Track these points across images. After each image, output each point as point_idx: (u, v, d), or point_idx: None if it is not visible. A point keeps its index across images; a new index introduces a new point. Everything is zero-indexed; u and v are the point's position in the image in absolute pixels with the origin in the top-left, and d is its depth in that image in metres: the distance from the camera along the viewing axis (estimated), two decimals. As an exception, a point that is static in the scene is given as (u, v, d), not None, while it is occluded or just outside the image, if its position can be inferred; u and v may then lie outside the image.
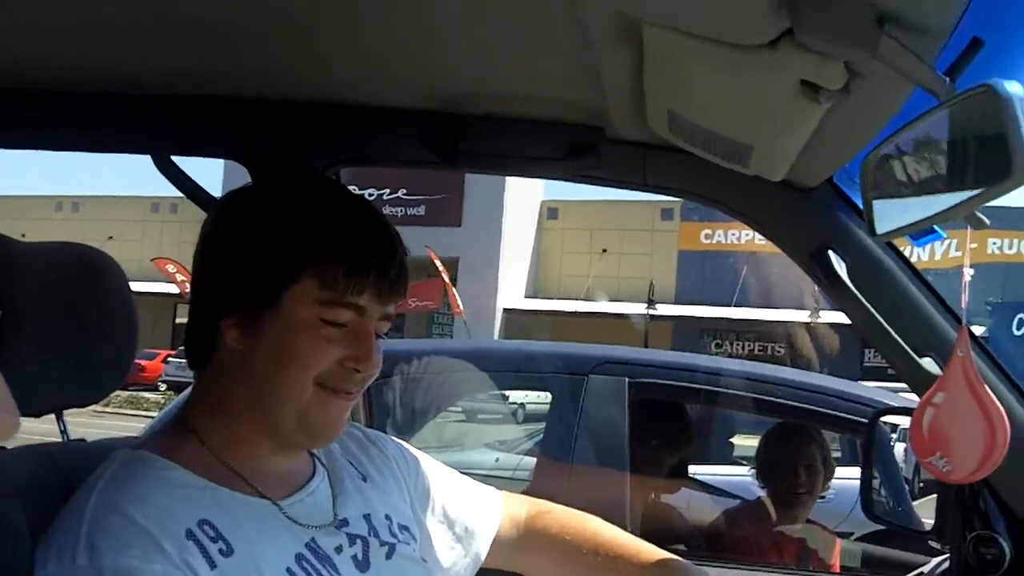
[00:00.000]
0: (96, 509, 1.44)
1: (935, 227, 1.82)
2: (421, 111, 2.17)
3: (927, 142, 1.31)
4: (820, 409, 3.78)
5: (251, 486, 1.58)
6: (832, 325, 28.24)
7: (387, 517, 1.75)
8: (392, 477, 1.87)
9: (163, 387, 33.00)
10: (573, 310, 37.06)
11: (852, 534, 5.41)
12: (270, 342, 1.55)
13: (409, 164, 2.35)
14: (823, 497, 3.86)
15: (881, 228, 1.43)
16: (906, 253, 2.10)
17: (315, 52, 1.94)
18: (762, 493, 3.72)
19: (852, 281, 2.04)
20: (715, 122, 1.74)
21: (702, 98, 1.67)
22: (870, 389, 4.68)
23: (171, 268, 31.24)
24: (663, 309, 36.24)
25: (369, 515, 1.72)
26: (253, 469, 1.60)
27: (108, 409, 26.55)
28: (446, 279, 27.45)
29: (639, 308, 34.84)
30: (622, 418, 3.75)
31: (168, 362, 33.54)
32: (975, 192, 1.19)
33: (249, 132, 2.25)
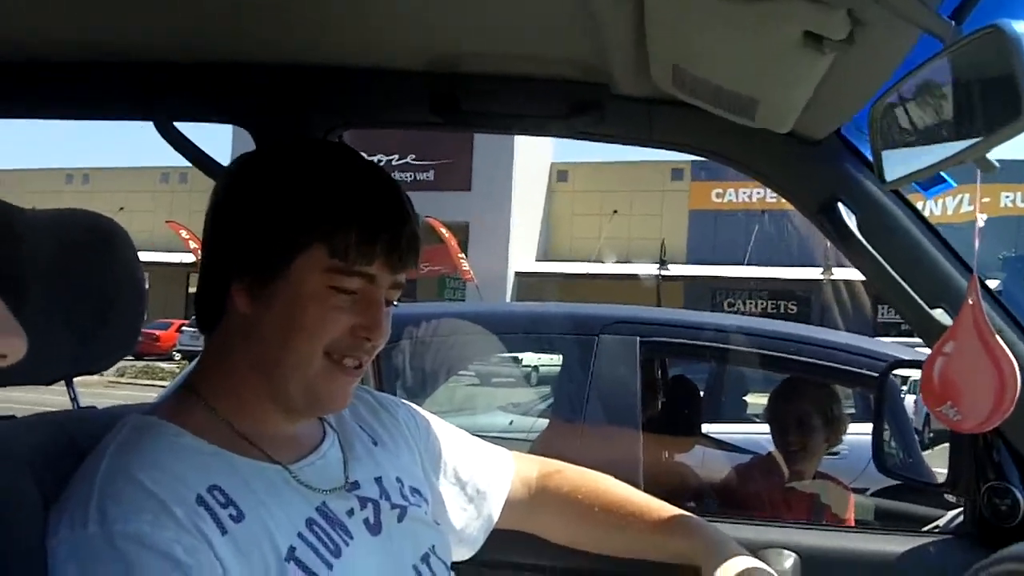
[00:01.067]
0: (106, 475, 1.44)
1: (945, 176, 1.81)
2: (422, 72, 2.15)
3: (934, 88, 1.30)
4: (833, 364, 3.77)
5: (261, 450, 1.58)
6: (845, 281, 28.21)
7: (398, 480, 1.76)
8: (403, 440, 1.87)
9: (177, 357, 33.13)
10: (584, 272, 37.04)
11: (867, 490, 5.42)
12: (279, 309, 1.55)
13: (412, 125, 2.34)
14: (836, 453, 3.86)
15: (890, 176, 1.42)
16: (918, 208, 2.09)
17: (315, 15, 1.93)
18: (774, 449, 3.72)
19: (862, 233, 2.02)
20: (720, 75, 1.72)
21: (706, 52, 1.66)
22: (884, 344, 4.68)
23: (184, 233, 31.26)
24: (675, 269, 36.25)
25: (380, 478, 1.72)
26: (262, 433, 1.60)
27: (123, 379, 26.75)
28: (453, 244, 27.40)
29: (651, 269, 34.83)
30: (633, 377, 3.74)
31: (182, 331, 33.63)
32: (984, 135, 1.17)
33: (251, 97, 2.24)
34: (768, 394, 4.04)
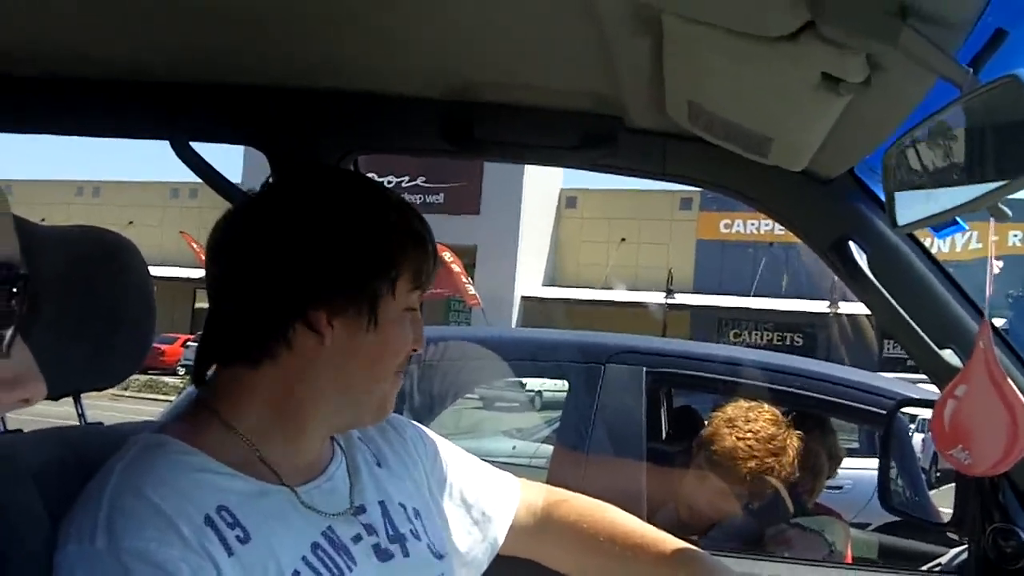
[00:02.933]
0: (116, 490, 1.44)
1: (957, 219, 1.81)
2: (437, 100, 2.16)
3: (949, 134, 1.30)
4: (838, 400, 3.76)
5: (273, 472, 1.58)
6: (851, 316, 28.17)
7: (402, 505, 1.75)
8: (409, 460, 1.87)
9: (182, 371, 33.07)
10: (591, 299, 37.02)
11: (869, 524, 5.41)
12: (373, 335, 1.59)
13: (425, 152, 2.35)
14: (839, 487, 3.85)
15: (902, 220, 1.42)
16: (927, 245, 2.09)
17: (332, 40, 1.94)
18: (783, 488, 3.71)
19: (872, 272, 2.03)
20: (735, 113, 1.73)
21: (722, 89, 1.66)
22: (889, 380, 4.66)
23: (195, 246, 31.26)
24: (681, 298, 36.22)
25: (384, 502, 1.72)
26: (281, 456, 1.60)
27: (127, 393, 26.70)
28: (458, 269, 27.37)
29: (657, 297, 34.81)
30: (639, 407, 3.74)
31: (187, 346, 33.59)
32: (998, 184, 1.18)
33: (266, 119, 2.25)
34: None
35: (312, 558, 1.54)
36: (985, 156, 1.25)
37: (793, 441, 3.42)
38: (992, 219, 1.27)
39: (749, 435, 3.36)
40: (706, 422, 3.61)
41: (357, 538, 1.63)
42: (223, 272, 1.63)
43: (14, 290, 0.84)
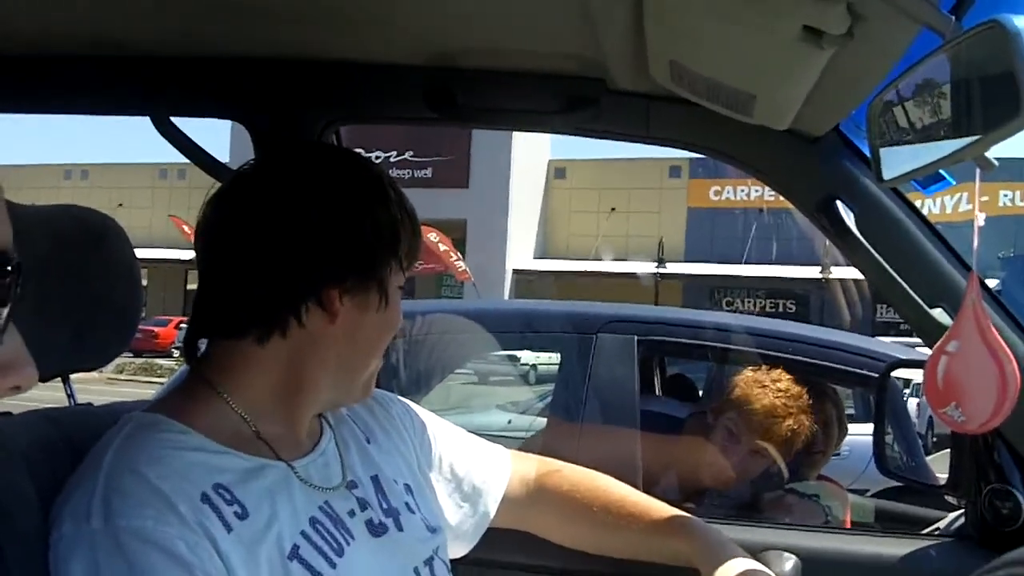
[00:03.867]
0: (111, 470, 1.43)
1: (944, 173, 1.79)
2: (418, 67, 2.15)
3: (933, 87, 1.28)
4: (832, 364, 3.75)
5: (269, 447, 1.58)
6: (843, 280, 28.22)
7: (394, 480, 1.75)
8: (398, 437, 1.86)
9: (176, 353, 33.11)
10: (582, 270, 37.07)
11: (867, 491, 5.41)
12: (380, 313, 1.62)
13: (408, 120, 2.33)
14: (837, 454, 3.84)
15: (888, 174, 1.40)
16: (917, 206, 2.07)
17: (312, 10, 1.92)
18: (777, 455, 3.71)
19: (860, 231, 2.01)
20: (718, 71, 1.71)
21: (704, 47, 1.64)
22: (883, 343, 4.66)
23: (186, 228, 31.22)
24: (673, 267, 36.28)
25: (376, 476, 1.73)
26: (278, 432, 1.60)
27: (122, 376, 26.80)
28: (444, 248, 27.35)
29: (649, 267, 34.86)
30: (631, 376, 3.73)
31: (180, 328, 33.58)
32: (984, 133, 1.16)
33: (246, 92, 2.23)
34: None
35: (311, 532, 1.54)
36: (969, 107, 1.23)
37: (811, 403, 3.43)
38: (979, 169, 1.25)
39: (781, 393, 3.37)
40: (731, 386, 3.58)
41: (352, 513, 1.63)
42: (225, 250, 1.61)
43: (6, 279, 0.84)
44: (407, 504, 1.73)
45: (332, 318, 1.57)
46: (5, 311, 0.83)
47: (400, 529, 1.68)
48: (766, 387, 3.40)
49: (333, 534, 1.56)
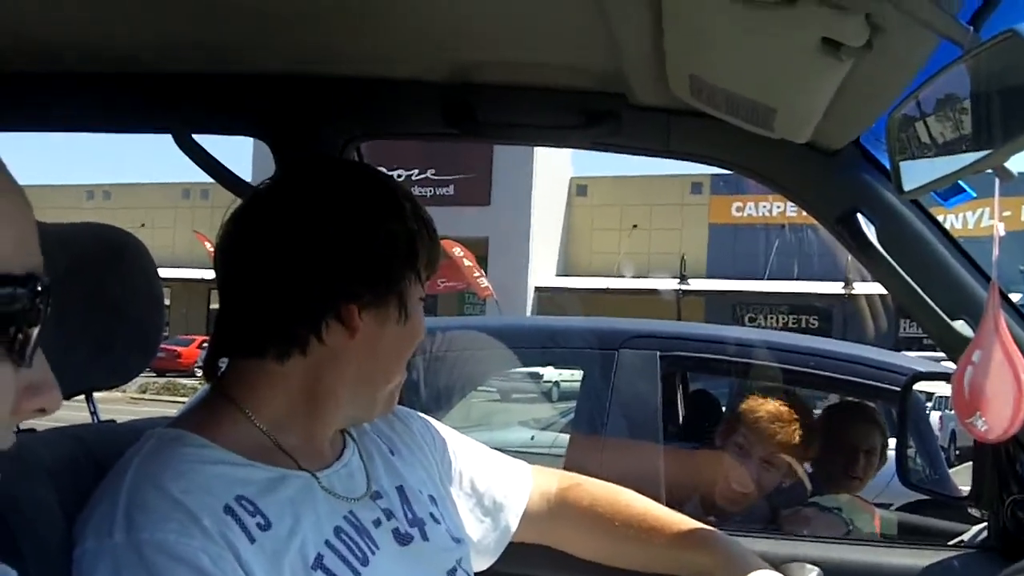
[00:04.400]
0: (133, 484, 1.44)
1: (964, 185, 1.79)
2: (438, 83, 2.15)
3: (954, 100, 1.29)
4: (854, 378, 3.74)
5: (292, 459, 1.58)
6: (866, 296, 28.11)
7: (419, 490, 1.76)
8: (419, 451, 1.87)
9: (199, 373, 33.09)
10: (604, 287, 37.00)
11: (891, 505, 5.39)
12: (401, 327, 1.62)
13: (428, 136, 2.34)
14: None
15: (908, 186, 1.41)
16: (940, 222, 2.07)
17: (332, 26, 1.93)
18: (801, 466, 3.70)
19: (881, 244, 2.01)
20: (737, 84, 1.71)
21: (723, 60, 1.65)
22: (905, 357, 4.64)
23: (208, 246, 31.31)
24: (695, 284, 36.20)
25: (401, 487, 1.74)
26: (299, 444, 1.61)
27: (145, 396, 26.85)
28: (468, 263, 27.32)
29: (671, 283, 34.79)
30: (654, 392, 3.73)
31: (203, 348, 33.54)
32: (1002, 144, 1.16)
33: (267, 108, 2.24)
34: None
35: (336, 541, 1.54)
36: (991, 118, 1.23)
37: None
38: (998, 180, 1.25)
39: (785, 404, 3.45)
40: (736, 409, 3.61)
41: (377, 522, 1.64)
42: (244, 268, 1.62)
43: (37, 300, 0.84)
44: (432, 514, 1.74)
45: (352, 333, 1.57)
46: (34, 333, 0.84)
47: (425, 539, 1.68)
48: (767, 399, 3.43)
49: (358, 543, 1.56)
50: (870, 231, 2.01)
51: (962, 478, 2.80)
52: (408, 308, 1.62)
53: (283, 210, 1.62)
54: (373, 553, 1.58)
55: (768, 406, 3.42)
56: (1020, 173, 1.29)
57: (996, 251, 1.57)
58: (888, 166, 1.51)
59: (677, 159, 2.25)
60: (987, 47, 1.16)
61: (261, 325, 1.60)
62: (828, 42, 1.36)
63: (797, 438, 3.39)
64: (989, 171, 1.22)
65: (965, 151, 1.26)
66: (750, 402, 3.53)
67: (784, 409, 3.40)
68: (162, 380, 30.57)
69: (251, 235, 1.61)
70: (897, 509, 5.16)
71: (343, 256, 1.56)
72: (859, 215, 2.02)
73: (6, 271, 0.83)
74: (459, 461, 1.94)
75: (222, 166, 2.23)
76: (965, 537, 2.55)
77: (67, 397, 1.66)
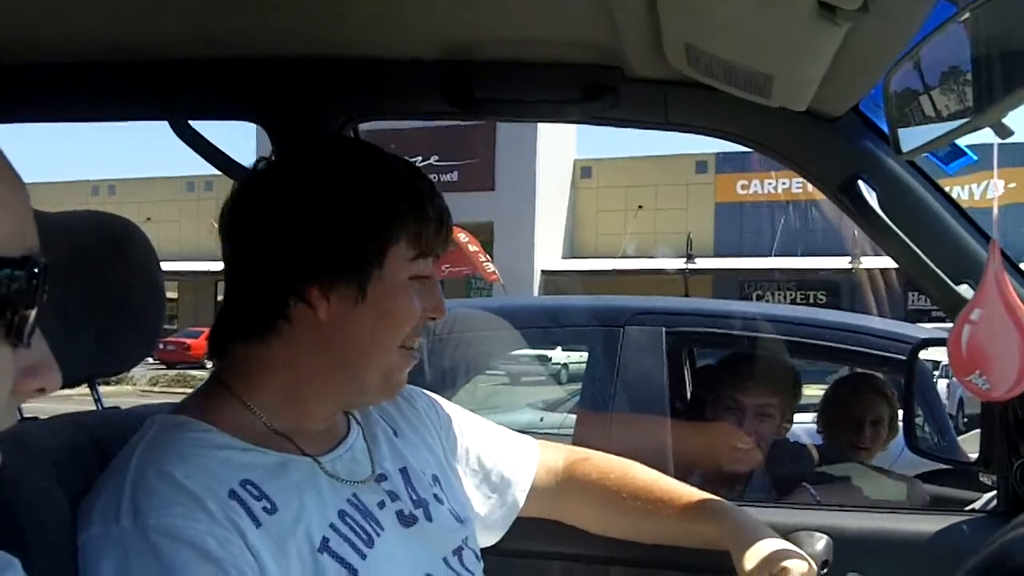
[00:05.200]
0: (137, 470, 1.44)
1: (966, 149, 1.78)
2: (435, 61, 2.14)
3: (955, 71, 1.28)
4: (860, 348, 3.73)
5: (293, 444, 1.59)
6: (873, 269, 28.05)
7: (422, 472, 1.76)
8: (424, 430, 1.87)
9: (209, 364, 33.12)
10: (611, 268, 36.96)
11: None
12: (371, 306, 1.57)
13: (426, 115, 2.33)
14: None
15: (906, 147, 1.40)
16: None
17: (325, 6, 1.92)
18: (809, 439, 3.70)
19: (883, 210, 2.00)
20: (734, 52, 1.71)
21: (719, 28, 1.64)
22: (911, 327, 4.64)
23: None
24: (702, 262, 36.14)
25: (405, 468, 1.73)
26: (298, 428, 1.61)
27: (156, 388, 26.89)
28: (475, 248, 27.24)
29: (678, 263, 34.75)
30: (660, 368, 3.72)
31: (213, 339, 33.60)
32: (999, 99, 1.15)
33: (263, 92, 2.23)
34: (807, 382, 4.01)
35: (340, 524, 1.54)
36: (990, 75, 1.22)
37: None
38: (996, 136, 1.24)
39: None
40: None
41: (381, 504, 1.64)
42: (229, 251, 1.63)
43: (35, 282, 0.85)
44: (435, 495, 1.74)
45: (317, 315, 1.56)
46: (32, 314, 0.84)
47: (429, 519, 1.69)
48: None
49: (363, 526, 1.57)
50: (872, 198, 2.01)
51: (971, 446, 2.79)
52: (367, 288, 1.57)
53: (254, 193, 1.63)
54: (378, 535, 1.58)
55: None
56: (1024, 143, 1.28)
57: (996, 209, 1.57)
58: (887, 131, 1.50)
59: (676, 131, 2.24)
60: (983, 3, 1.15)
61: (241, 307, 1.62)
62: (824, 6, 1.35)
63: (784, 376, 3.44)
64: (987, 127, 1.21)
65: (965, 106, 1.26)
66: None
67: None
68: (172, 372, 30.66)
69: (233, 220, 1.63)
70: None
71: (300, 235, 1.56)
72: (860, 182, 2.02)
73: (3, 254, 0.83)
74: (465, 437, 1.94)
75: (220, 152, 2.22)
76: (976, 505, 2.54)
77: (70, 385, 1.67)
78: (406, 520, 1.65)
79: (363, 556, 1.53)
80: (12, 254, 0.84)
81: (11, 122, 2.42)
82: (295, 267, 1.56)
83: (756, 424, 3.39)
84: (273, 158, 1.71)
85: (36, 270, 0.85)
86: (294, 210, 1.57)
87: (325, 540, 1.51)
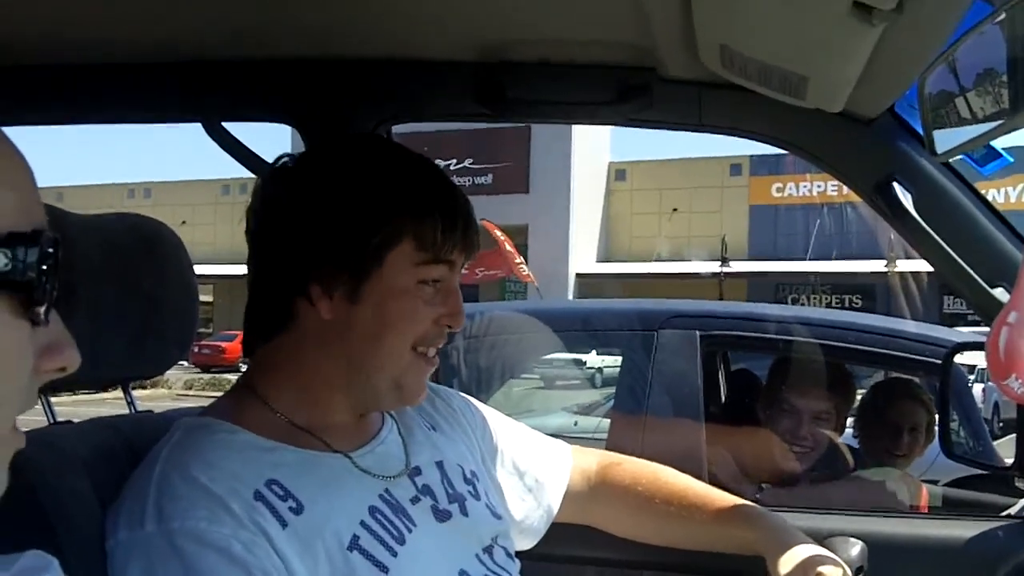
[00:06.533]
0: (162, 474, 1.45)
1: (1002, 152, 1.76)
2: (469, 63, 2.14)
3: (990, 73, 1.27)
4: (895, 352, 3.71)
5: (321, 441, 1.58)
6: (909, 273, 27.87)
7: (459, 466, 1.75)
8: (460, 428, 1.86)
9: (244, 368, 33.25)
10: (645, 272, 36.88)
11: (937, 481, 5.35)
12: (371, 308, 1.56)
13: (460, 117, 2.32)
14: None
15: (942, 148, 1.39)
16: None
17: (360, 8, 1.93)
18: (842, 441, 3.68)
19: (919, 212, 1.99)
20: (768, 54, 1.70)
21: (754, 29, 1.63)
22: (947, 331, 4.60)
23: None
24: (736, 266, 36.00)
25: (441, 462, 1.73)
26: (324, 425, 1.61)
27: (191, 392, 26.99)
28: (509, 248, 27.23)
29: (712, 266, 34.63)
30: (694, 372, 3.71)
31: (250, 343, 33.68)
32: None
33: (297, 93, 2.24)
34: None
35: (371, 521, 1.54)
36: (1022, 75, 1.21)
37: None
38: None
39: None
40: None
41: (415, 499, 1.63)
42: (250, 251, 1.64)
43: (49, 256, 0.83)
44: (471, 491, 1.73)
45: (321, 313, 1.55)
46: (47, 290, 0.84)
47: (465, 514, 1.68)
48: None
49: (394, 522, 1.56)
50: (907, 199, 2.00)
51: (1006, 450, 2.76)
52: (362, 290, 1.55)
53: (268, 193, 1.64)
54: (410, 531, 1.57)
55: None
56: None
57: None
58: (922, 133, 1.49)
59: (710, 132, 2.23)
60: (1020, 3, 1.14)
61: (257, 306, 1.63)
62: (859, 6, 1.34)
63: (842, 376, 3.44)
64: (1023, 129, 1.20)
65: (1001, 116, 1.24)
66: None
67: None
68: (207, 376, 30.74)
69: (249, 219, 1.63)
70: (944, 485, 5.13)
71: (304, 234, 1.55)
72: (895, 184, 2.00)
73: (14, 229, 0.82)
74: (500, 440, 1.94)
75: (253, 154, 2.23)
76: (1012, 510, 2.52)
77: (103, 388, 1.68)
78: (441, 515, 1.65)
79: (394, 554, 1.53)
80: (22, 229, 0.82)
81: (47, 124, 2.43)
82: (299, 264, 1.55)
83: (812, 427, 3.38)
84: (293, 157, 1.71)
85: (50, 246, 0.84)
86: (300, 207, 1.57)
87: (355, 538, 1.50)
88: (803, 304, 37.34)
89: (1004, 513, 2.52)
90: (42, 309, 0.84)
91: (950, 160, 1.88)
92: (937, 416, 3.41)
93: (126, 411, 1.88)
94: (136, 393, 2.01)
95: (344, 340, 1.57)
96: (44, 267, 0.83)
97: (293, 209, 1.58)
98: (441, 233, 1.57)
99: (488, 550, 1.71)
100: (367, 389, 1.61)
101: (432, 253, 1.57)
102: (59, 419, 1.66)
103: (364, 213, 1.55)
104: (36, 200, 0.87)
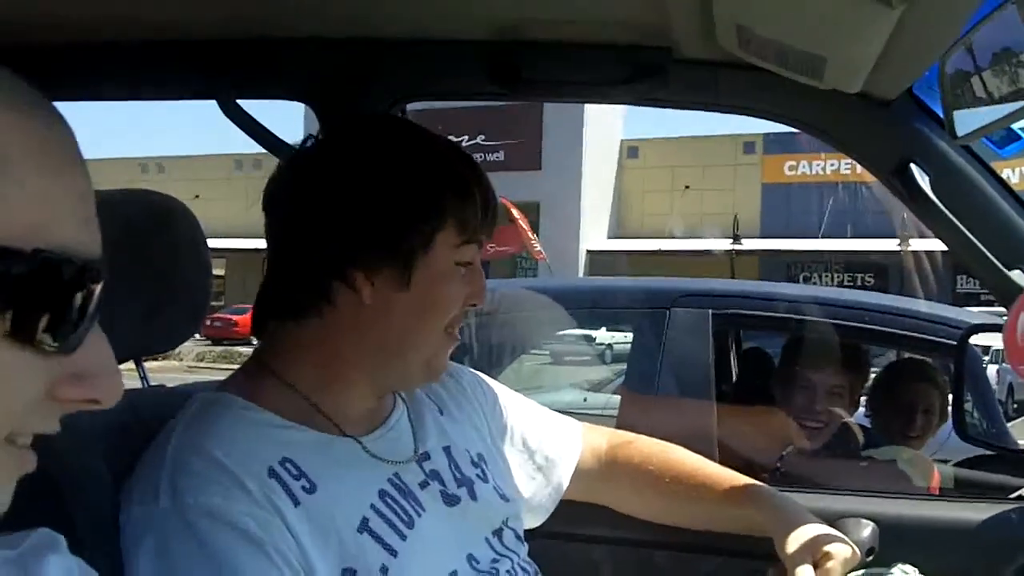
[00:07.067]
0: (177, 449, 1.45)
1: (1021, 134, 1.75)
2: (483, 42, 2.13)
3: (1007, 52, 1.26)
4: (908, 332, 3.70)
5: (334, 424, 1.58)
6: (923, 252, 27.80)
7: (466, 450, 1.75)
8: (469, 407, 1.86)
9: (255, 341, 33.28)
10: (657, 249, 36.81)
11: (948, 461, 5.34)
12: (415, 292, 1.55)
13: (474, 96, 2.32)
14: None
15: (962, 131, 1.38)
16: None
17: None
18: (854, 421, 3.67)
19: (936, 195, 1.98)
20: (786, 34, 1.69)
21: (771, 9, 1.62)
22: (961, 311, 4.59)
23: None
24: (748, 244, 35.93)
25: (449, 447, 1.73)
26: (339, 408, 1.60)
27: (202, 364, 27.07)
28: (524, 226, 27.20)
29: (724, 244, 34.58)
30: (706, 350, 3.70)
31: (259, 316, 33.77)
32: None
33: (311, 72, 2.23)
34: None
35: (380, 505, 1.54)
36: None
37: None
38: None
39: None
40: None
41: (424, 484, 1.63)
42: (272, 228, 1.63)
43: (51, 278, 0.74)
44: (479, 474, 1.73)
45: (361, 298, 1.55)
46: (46, 317, 0.75)
47: (474, 499, 1.68)
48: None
49: (403, 506, 1.56)
50: (924, 182, 1.99)
51: (1020, 432, 2.76)
52: (413, 275, 1.55)
53: (300, 172, 1.62)
54: (419, 515, 1.58)
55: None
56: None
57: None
58: (942, 115, 1.48)
59: (726, 112, 2.22)
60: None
61: (281, 287, 1.62)
62: (878, -14, 1.33)
63: (858, 354, 3.44)
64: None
65: (1020, 96, 1.24)
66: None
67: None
68: (219, 348, 30.83)
69: (277, 197, 1.62)
70: (955, 465, 5.12)
71: (346, 218, 1.54)
72: (913, 166, 1.99)
73: (6, 244, 0.73)
74: (510, 417, 1.94)
75: (268, 131, 2.23)
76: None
77: (120, 362, 1.67)
78: (450, 499, 1.65)
79: (403, 537, 1.53)
80: (16, 245, 0.73)
81: (62, 100, 2.42)
82: (342, 249, 1.54)
83: (826, 403, 3.38)
84: (321, 137, 1.70)
85: (62, 268, 0.76)
86: (343, 192, 1.55)
87: (365, 520, 1.51)
88: (815, 283, 37.29)
89: (1016, 495, 2.52)
90: (48, 335, 0.76)
91: (970, 143, 1.87)
92: (951, 397, 3.41)
93: (138, 385, 1.89)
94: (147, 365, 2.01)
95: (382, 324, 1.57)
96: (42, 290, 0.75)
97: (335, 193, 1.56)
98: (480, 217, 1.59)
99: (498, 533, 1.71)
100: (398, 369, 1.62)
101: (468, 235, 1.58)
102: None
103: (413, 198, 1.55)
104: (95, 229, 0.81)
